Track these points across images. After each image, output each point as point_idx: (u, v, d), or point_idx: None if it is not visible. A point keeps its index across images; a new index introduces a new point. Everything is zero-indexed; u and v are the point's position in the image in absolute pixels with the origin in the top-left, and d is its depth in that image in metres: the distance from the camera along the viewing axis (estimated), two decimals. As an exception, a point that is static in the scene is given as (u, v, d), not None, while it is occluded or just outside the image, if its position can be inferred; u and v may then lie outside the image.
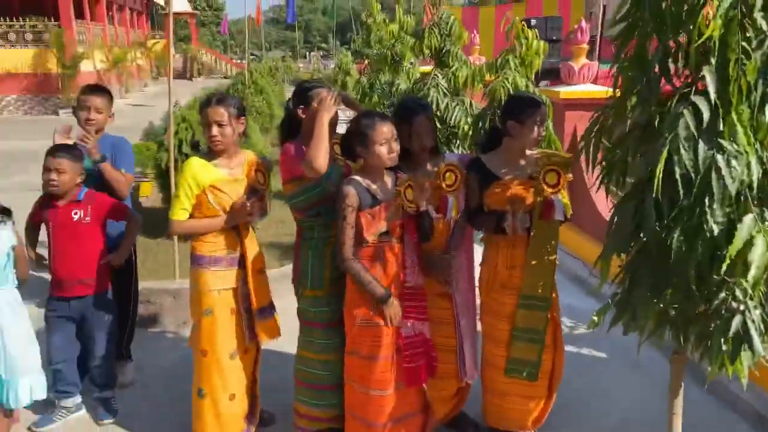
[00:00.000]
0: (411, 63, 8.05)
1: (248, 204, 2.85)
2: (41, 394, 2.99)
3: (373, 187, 2.70)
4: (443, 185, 2.85)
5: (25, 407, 3.27)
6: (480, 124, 3.99)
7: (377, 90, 8.61)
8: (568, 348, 3.25)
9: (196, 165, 2.87)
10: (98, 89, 3.49)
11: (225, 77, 30.19)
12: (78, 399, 3.40)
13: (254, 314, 2.95)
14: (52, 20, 17.80)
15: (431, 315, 2.85)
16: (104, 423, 3.36)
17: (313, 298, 2.90)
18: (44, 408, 3.41)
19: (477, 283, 3.12)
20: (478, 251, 3.13)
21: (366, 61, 11.17)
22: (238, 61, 38.97)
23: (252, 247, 2.99)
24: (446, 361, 2.96)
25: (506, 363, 2.95)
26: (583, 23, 5.99)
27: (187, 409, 3.09)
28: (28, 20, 17.88)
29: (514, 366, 2.95)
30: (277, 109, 14.29)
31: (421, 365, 2.79)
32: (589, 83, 6.07)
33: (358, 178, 2.71)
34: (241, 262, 2.97)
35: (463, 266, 3.06)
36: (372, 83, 8.95)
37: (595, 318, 2.37)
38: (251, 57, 15.48)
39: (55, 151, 3.10)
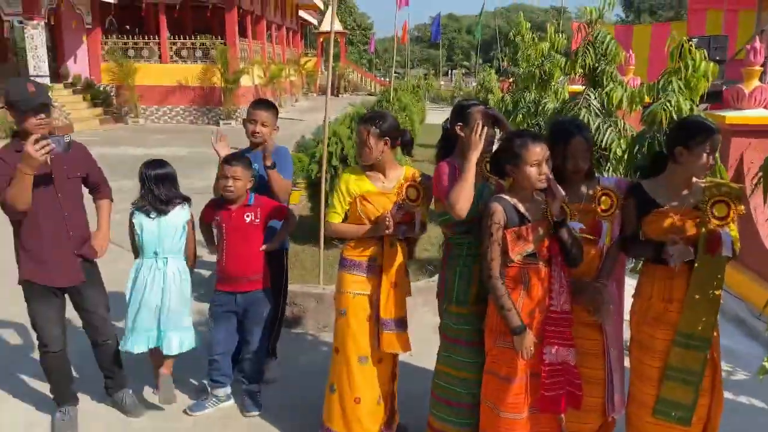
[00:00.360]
0: (560, 82, 7.85)
1: (387, 218, 2.92)
2: (189, 347, 3.55)
3: (521, 206, 2.67)
4: (598, 210, 2.75)
5: (182, 392, 3.59)
6: (636, 148, 3.81)
7: (522, 109, 8.47)
8: (724, 394, 2.98)
9: (350, 175, 3.08)
10: (265, 104, 3.75)
11: (369, 94, 31.27)
12: (228, 390, 3.66)
13: (381, 324, 3.02)
14: (219, 38, 19.44)
15: (578, 345, 2.75)
16: (250, 415, 3.58)
17: (457, 314, 2.91)
18: (198, 395, 3.72)
19: (626, 316, 2.96)
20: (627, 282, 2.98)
21: (511, 80, 11.05)
22: (382, 78, 40.19)
23: (393, 260, 3.04)
24: (592, 393, 2.83)
25: (655, 402, 2.77)
26: (757, 43, 5.52)
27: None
28: (198, 38, 19.69)
29: (663, 407, 2.75)
30: (418, 125, 14.56)
31: (561, 394, 2.70)
32: (761, 108, 5.57)
33: (506, 196, 2.70)
34: (381, 272, 3.04)
35: (614, 296, 2.92)
36: (516, 102, 8.83)
37: (766, 364, 2.16)
38: (395, 74, 15.92)
39: (231, 160, 3.40)
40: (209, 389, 3.63)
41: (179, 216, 3.48)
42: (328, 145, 5.38)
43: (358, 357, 3.07)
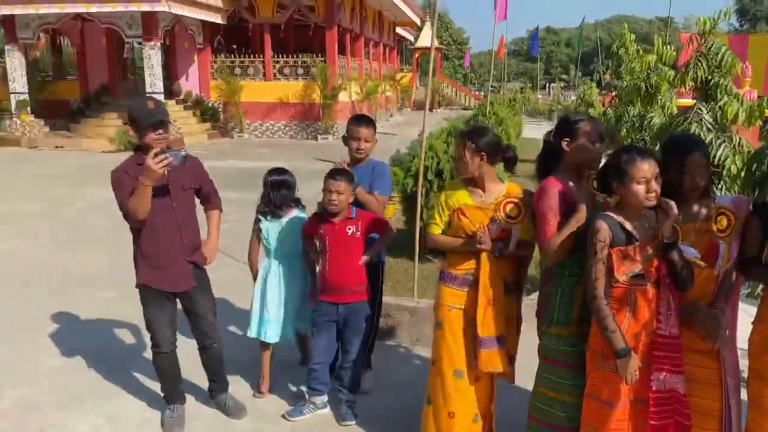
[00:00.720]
0: (667, 95, 7.50)
1: (480, 232, 2.90)
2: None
3: (628, 225, 2.57)
4: (714, 229, 2.59)
5: (280, 397, 3.72)
6: (755, 165, 3.58)
7: (626, 123, 8.16)
8: None
9: (450, 189, 3.12)
10: (366, 120, 3.84)
11: (464, 108, 31.20)
12: (325, 398, 3.73)
13: (478, 342, 2.98)
14: (319, 56, 20.06)
15: (690, 373, 2.60)
16: (345, 424, 3.63)
17: (557, 335, 2.83)
18: (296, 401, 3.82)
19: (741, 344, 2.76)
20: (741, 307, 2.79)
21: (613, 93, 10.67)
22: (476, 92, 39.99)
23: (490, 277, 2.98)
24: (705, 426, 2.64)
25: (776, 440, 2.57)
26: None
27: (418, 421, 3.24)
28: (300, 57, 20.42)
29: (785, 445, 2.54)
30: (515, 139, 14.34)
31: (668, 424, 2.56)
32: None
33: (612, 214, 2.61)
34: (477, 288, 3.00)
35: (728, 321, 2.73)
36: (620, 116, 8.52)
37: None
38: (491, 88, 15.83)
39: (334, 174, 3.50)
40: (307, 396, 3.72)
41: (295, 219, 3.82)
42: (424, 160, 5.42)
43: (453, 371, 3.06)
